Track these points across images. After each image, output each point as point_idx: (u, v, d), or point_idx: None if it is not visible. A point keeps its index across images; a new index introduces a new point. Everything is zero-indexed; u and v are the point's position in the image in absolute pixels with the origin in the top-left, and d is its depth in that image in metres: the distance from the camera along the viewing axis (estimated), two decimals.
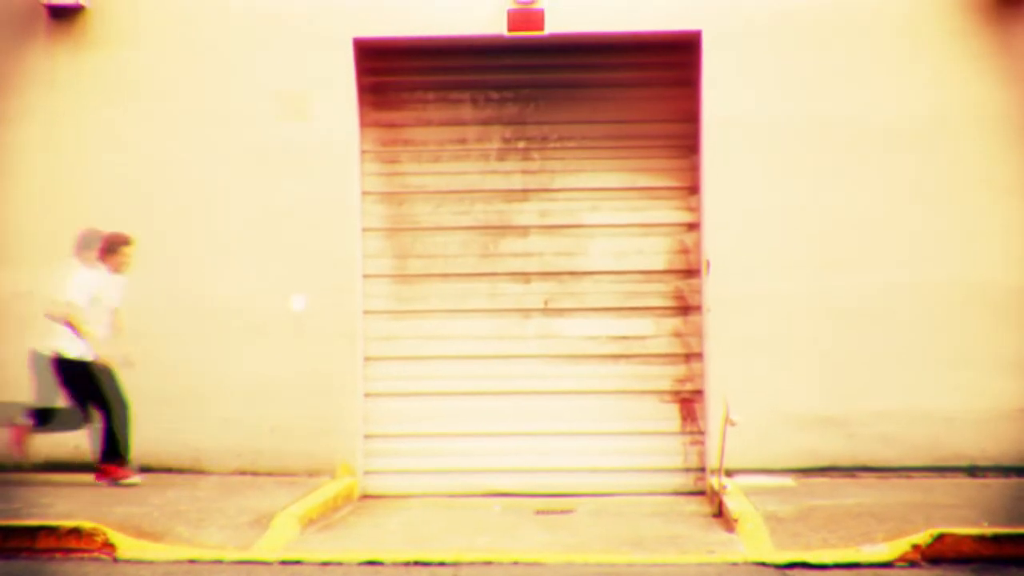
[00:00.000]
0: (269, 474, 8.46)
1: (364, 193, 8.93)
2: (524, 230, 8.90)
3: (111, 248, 8.01)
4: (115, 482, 7.86)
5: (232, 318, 8.60)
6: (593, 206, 8.90)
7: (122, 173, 8.69)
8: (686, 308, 8.82)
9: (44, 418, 8.06)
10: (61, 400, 8.01)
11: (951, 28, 8.45)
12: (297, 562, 6.20)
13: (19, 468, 8.43)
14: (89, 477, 8.07)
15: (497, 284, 8.93)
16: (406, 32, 8.69)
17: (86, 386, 7.88)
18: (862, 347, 8.39)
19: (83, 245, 7.99)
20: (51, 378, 7.90)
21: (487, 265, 8.89)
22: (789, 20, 8.50)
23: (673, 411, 8.77)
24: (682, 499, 8.45)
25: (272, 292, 8.60)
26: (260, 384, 8.56)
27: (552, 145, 8.94)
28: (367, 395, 8.84)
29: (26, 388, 8.34)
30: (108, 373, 7.91)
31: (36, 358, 7.95)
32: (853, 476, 8.29)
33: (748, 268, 8.44)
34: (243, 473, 8.50)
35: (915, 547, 6.10)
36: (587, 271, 8.89)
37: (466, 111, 8.99)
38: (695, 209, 8.80)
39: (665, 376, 8.79)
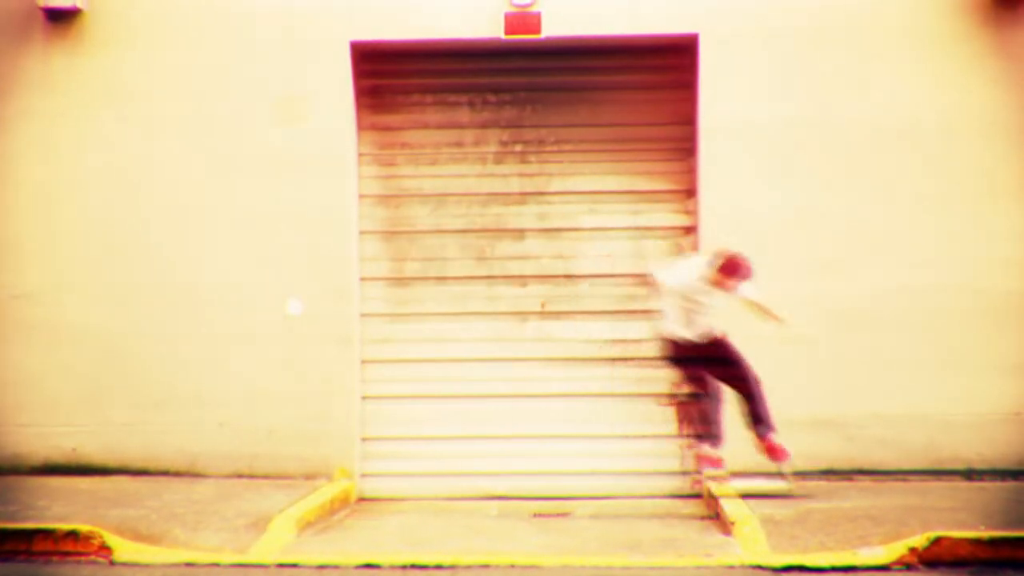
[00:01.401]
0: (266, 477, 8.44)
1: (361, 196, 8.92)
2: (521, 233, 8.89)
3: (727, 270, 7.72)
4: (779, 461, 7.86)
5: (229, 321, 8.59)
6: (590, 209, 8.90)
7: (119, 176, 8.68)
8: None
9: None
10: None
11: (950, 31, 8.45)
12: (294, 565, 6.20)
13: (16, 471, 8.43)
14: (86, 480, 8.08)
15: (494, 287, 8.93)
16: (403, 35, 8.69)
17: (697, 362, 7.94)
18: (860, 350, 8.39)
19: (715, 259, 7.80)
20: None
21: (484, 268, 8.89)
22: (787, 23, 8.50)
23: (670, 414, 8.77)
24: (679, 502, 8.44)
25: (269, 295, 8.59)
26: (257, 387, 8.56)
27: (549, 148, 8.94)
28: (364, 398, 8.83)
29: (18, 389, 8.48)
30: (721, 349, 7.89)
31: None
32: (850, 479, 8.29)
33: None
34: (240, 476, 8.49)
35: (912, 550, 6.10)
36: (584, 274, 8.88)
37: (463, 114, 8.99)
38: (692, 212, 8.80)
39: (662, 379, 8.77)
